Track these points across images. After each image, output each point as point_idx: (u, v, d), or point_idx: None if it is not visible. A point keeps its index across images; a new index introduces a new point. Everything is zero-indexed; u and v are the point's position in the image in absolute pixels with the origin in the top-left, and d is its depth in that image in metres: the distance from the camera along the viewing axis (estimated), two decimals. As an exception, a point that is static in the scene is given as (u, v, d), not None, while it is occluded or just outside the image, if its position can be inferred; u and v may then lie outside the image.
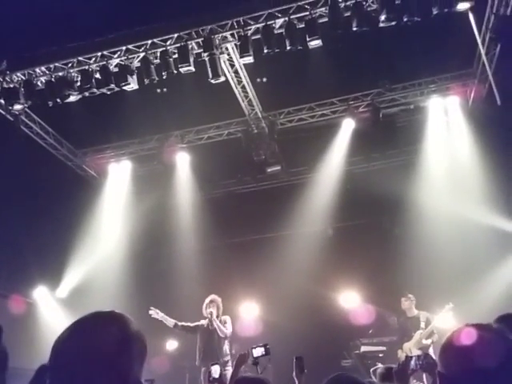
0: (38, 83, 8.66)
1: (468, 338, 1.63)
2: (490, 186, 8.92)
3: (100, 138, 10.88)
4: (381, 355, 8.59)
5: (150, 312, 7.71)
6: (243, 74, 9.11)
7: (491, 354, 1.57)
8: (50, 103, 8.51)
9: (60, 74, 8.48)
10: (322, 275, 9.64)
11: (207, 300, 7.91)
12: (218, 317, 7.78)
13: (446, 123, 9.88)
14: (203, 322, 7.94)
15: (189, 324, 7.98)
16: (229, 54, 8.53)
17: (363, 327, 9.35)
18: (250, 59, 7.96)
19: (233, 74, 9.04)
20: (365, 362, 8.61)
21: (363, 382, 2.05)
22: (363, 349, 8.87)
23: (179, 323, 7.90)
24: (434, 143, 9.93)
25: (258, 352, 4.83)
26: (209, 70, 7.98)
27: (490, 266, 8.94)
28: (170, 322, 7.89)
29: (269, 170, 10.67)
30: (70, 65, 8.49)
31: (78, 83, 8.41)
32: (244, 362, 4.91)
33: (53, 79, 8.47)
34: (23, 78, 8.59)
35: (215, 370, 4.59)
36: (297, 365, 4.55)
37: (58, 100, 8.42)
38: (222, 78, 8.14)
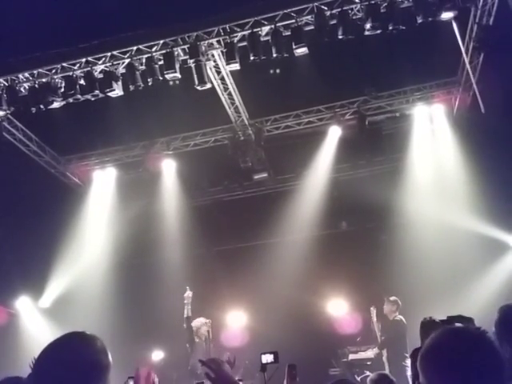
0: (21, 89, 8.54)
1: (449, 343, 1.54)
2: (475, 192, 9.00)
3: (84, 145, 10.75)
4: (369, 363, 8.55)
5: (187, 293, 7.79)
6: (229, 80, 9.09)
7: (473, 360, 1.50)
8: (34, 109, 8.38)
9: (44, 80, 8.36)
10: (309, 282, 9.60)
11: (199, 323, 7.84)
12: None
13: (432, 131, 9.98)
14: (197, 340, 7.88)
15: (193, 329, 7.82)
16: (215, 61, 8.52)
17: (351, 335, 9.32)
18: (236, 66, 7.94)
19: (219, 81, 9.01)
20: (353, 370, 8.57)
21: None
22: (351, 357, 8.82)
23: (191, 320, 7.80)
24: (420, 150, 10.01)
25: (266, 359, 4.73)
26: (195, 76, 7.93)
27: (475, 271, 9.01)
28: (188, 312, 7.83)
29: (256, 177, 10.64)
30: (53, 71, 8.38)
31: (62, 89, 8.29)
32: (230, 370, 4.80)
33: (36, 85, 8.35)
34: (6, 83, 8.45)
35: None
36: (289, 372, 4.47)
37: (42, 106, 8.30)
38: (208, 85, 8.11)
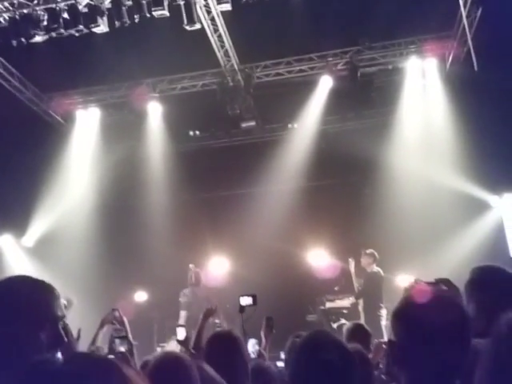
0: (1, 20, 8.12)
1: (419, 301, 1.60)
2: (462, 150, 9.05)
3: (67, 82, 10.38)
4: (345, 311, 8.87)
5: None
6: (220, 22, 8.75)
7: (443, 318, 1.56)
8: (14, 42, 8.01)
9: (25, 11, 7.95)
10: (292, 232, 9.74)
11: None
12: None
13: (423, 86, 9.86)
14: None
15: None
16: (206, 0, 8.15)
17: (329, 284, 9.59)
18: (227, 6, 7.66)
19: (209, 22, 8.67)
20: (329, 317, 8.87)
21: (341, 341, 2.04)
22: (328, 305, 9.11)
23: None
24: (410, 105, 9.93)
25: (245, 301, 4.86)
26: (184, 15, 7.62)
27: (456, 229, 9.19)
28: None
29: (243, 126, 10.50)
30: (35, 1, 7.95)
31: (45, 22, 7.91)
32: (210, 315, 4.94)
33: (17, 16, 7.95)
34: (-16, 13, 8.02)
35: (180, 332, 4.60)
36: (266, 324, 4.62)
37: (23, 39, 7.94)
38: (198, 25, 7.83)
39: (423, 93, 9.88)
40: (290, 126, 10.69)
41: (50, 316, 1.57)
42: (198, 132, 11.02)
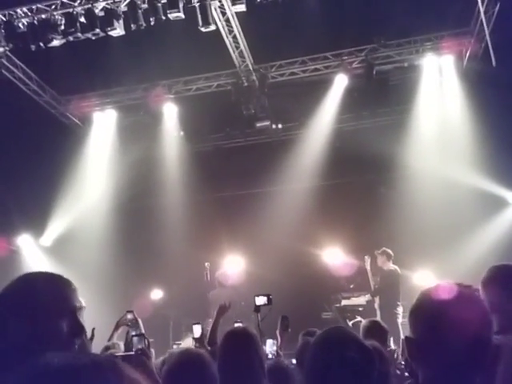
0: (20, 25, 8.27)
1: (439, 298, 1.58)
2: (479, 148, 8.95)
3: (84, 85, 10.54)
4: (360, 309, 8.83)
5: None
6: (235, 22, 8.79)
7: (463, 315, 1.53)
8: (33, 47, 8.16)
9: (43, 16, 8.10)
10: (307, 231, 9.71)
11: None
12: None
13: (440, 83, 9.76)
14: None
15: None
16: (220, 1, 8.20)
17: (345, 282, 9.56)
18: (242, 7, 7.68)
19: (224, 23, 8.71)
20: (344, 315, 8.85)
21: (359, 337, 2.04)
22: (344, 302, 9.09)
23: None
24: (426, 103, 9.83)
25: (260, 300, 4.94)
26: (199, 17, 7.68)
27: (473, 227, 9.07)
28: None
29: (258, 125, 10.52)
30: (53, 7, 8.09)
31: (62, 27, 8.05)
32: (224, 313, 4.99)
33: (35, 21, 8.10)
34: (3, 18, 8.18)
35: (196, 330, 4.67)
36: (282, 323, 4.66)
37: (41, 44, 8.08)
38: (213, 27, 7.87)
39: (439, 90, 9.77)
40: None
41: (69, 306, 1.58)
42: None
